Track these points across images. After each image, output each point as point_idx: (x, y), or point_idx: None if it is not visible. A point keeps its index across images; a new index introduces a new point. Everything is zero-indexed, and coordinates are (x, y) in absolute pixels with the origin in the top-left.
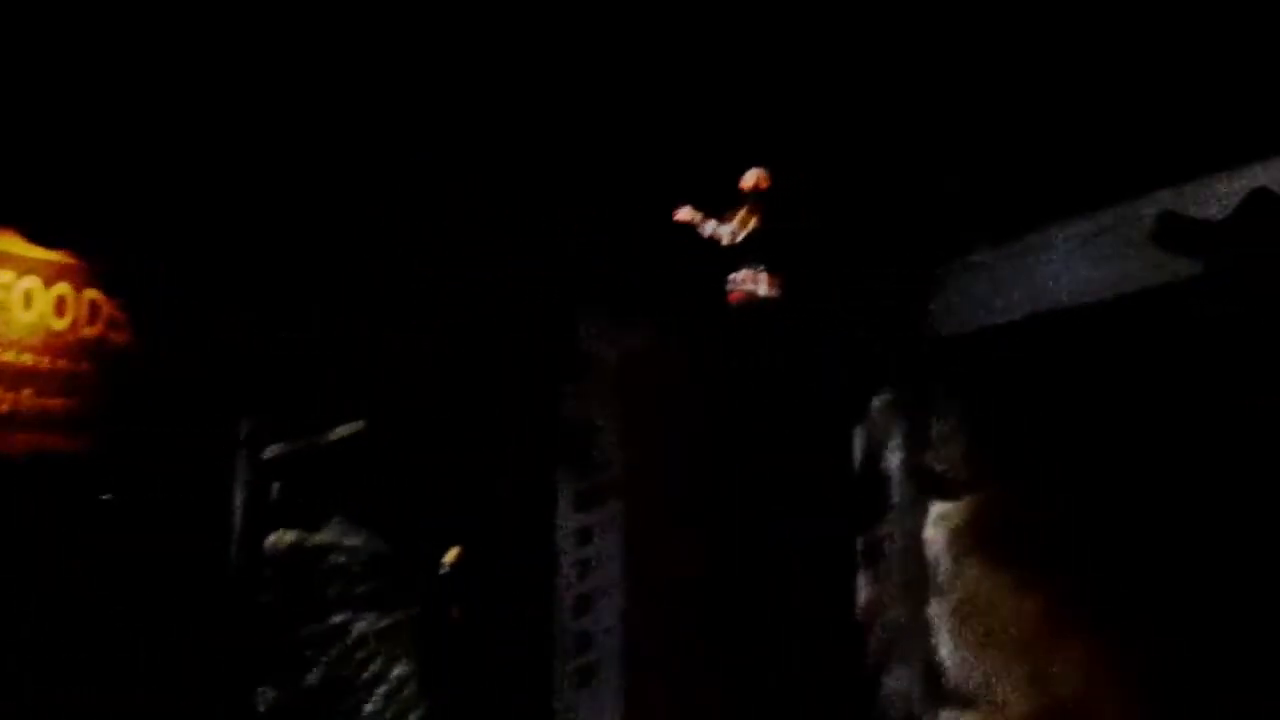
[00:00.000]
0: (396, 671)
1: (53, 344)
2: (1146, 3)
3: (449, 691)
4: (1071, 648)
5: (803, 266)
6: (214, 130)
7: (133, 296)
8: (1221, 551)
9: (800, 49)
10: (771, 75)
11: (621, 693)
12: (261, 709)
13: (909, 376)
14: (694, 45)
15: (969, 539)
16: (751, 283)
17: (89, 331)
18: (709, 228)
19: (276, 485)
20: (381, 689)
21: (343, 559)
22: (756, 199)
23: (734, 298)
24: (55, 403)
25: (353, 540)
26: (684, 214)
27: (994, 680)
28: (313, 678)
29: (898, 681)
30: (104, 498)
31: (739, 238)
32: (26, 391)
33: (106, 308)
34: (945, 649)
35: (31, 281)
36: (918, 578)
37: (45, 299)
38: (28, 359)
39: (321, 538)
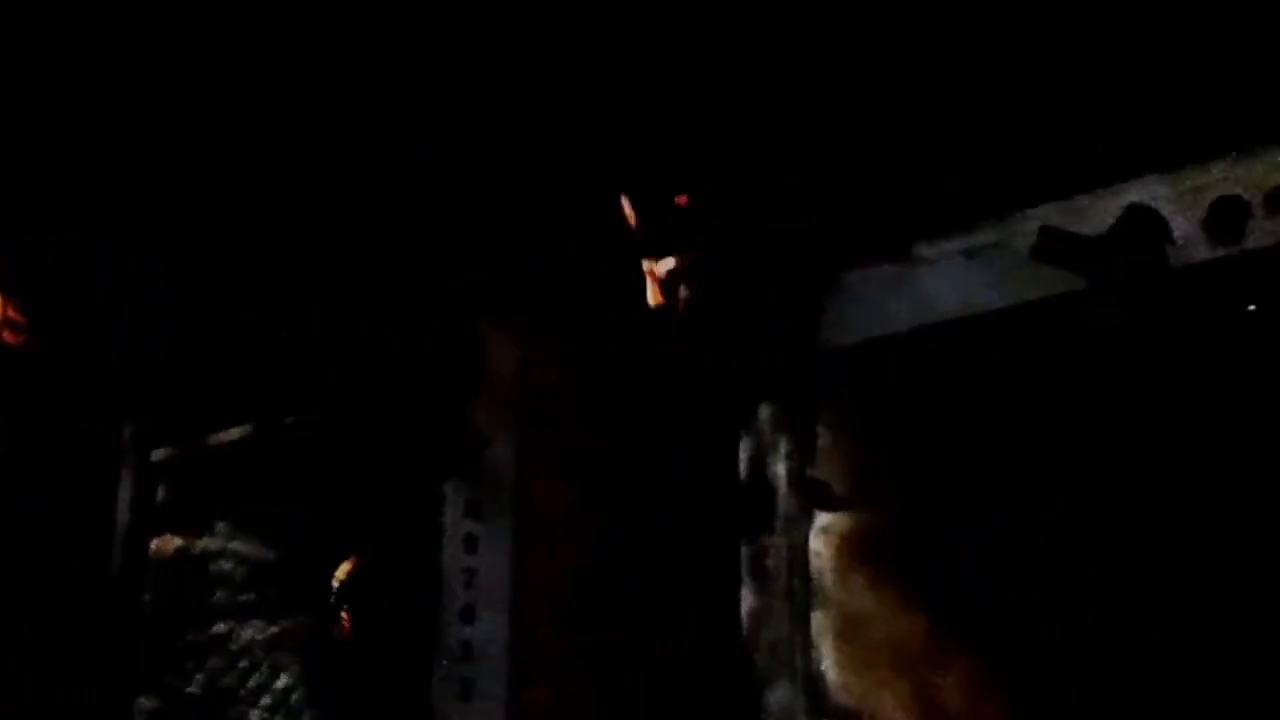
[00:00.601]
0: (281, 682)
1: None
2: (1026, 29)
3: (335, 704)
4: (953, 665)
5: (695, 276)
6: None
7: (33, 298)
8: (1104, 567)
9: (695, 61)
10: (664, 91)
11: (503, 706)
12: (139, 718)
13: (796, 387)
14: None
15: (852, 552)
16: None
17: None
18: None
19: (162, 489)
20: (265, 699)
21: (228, 566)
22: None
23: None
24: None
25: (239, 547)
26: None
27: (875, 696)
28: (194, 687)
29: (780, 695)
30: None
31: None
32: None
33: (5, 310)
34: (828, 663)
35: None
36: (802, 590)
37: None
38: None
39: (207, 544)
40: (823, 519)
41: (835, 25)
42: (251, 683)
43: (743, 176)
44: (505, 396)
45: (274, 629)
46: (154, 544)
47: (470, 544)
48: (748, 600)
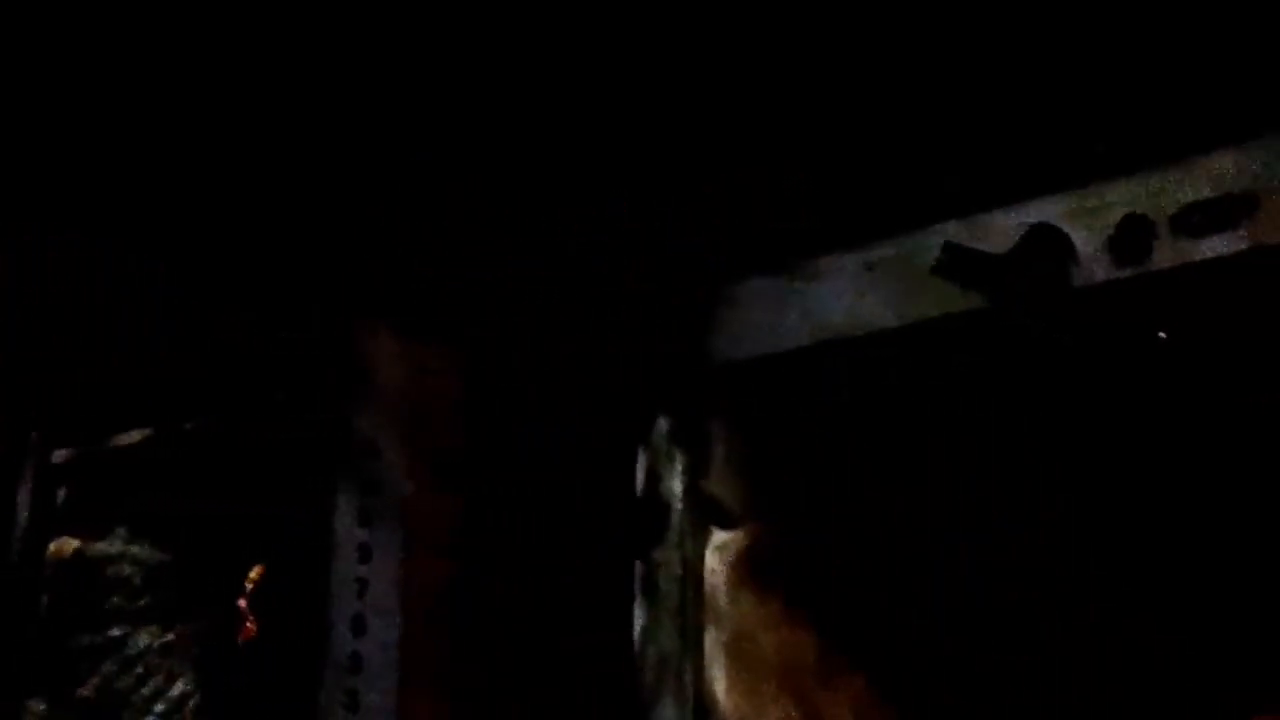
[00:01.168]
0: (176, 689)
1: None
2: (927, 40)
3: (230, 712)
4: (845, 684)
5: (593, 289)
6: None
7: None
8: (1000, 590)
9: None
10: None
11: (391, 719)
12: None
13: (691, 401)
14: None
15: (746, 571)
16: None
17: None
18: None
19: (63, 491)
20: (159, 706)
21: (126, 570)
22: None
23: None
24: None
25: (138, 551)
26: None
27: (765, 715)
28: (87, 690)
29: (668, 714)
30: None
31: None
32: None
33: None
34: (717, 682)
35: None
36: (693, 607)
37: None
38: None
39: (105, 547)
40: (717, 536)
41: (739, 31)
42: (146, 689)
43: (641, 188)
44: (393, 403)
45: (171, 635)
46: (51, 546)
47: (363, 553)
48: (639, 617)
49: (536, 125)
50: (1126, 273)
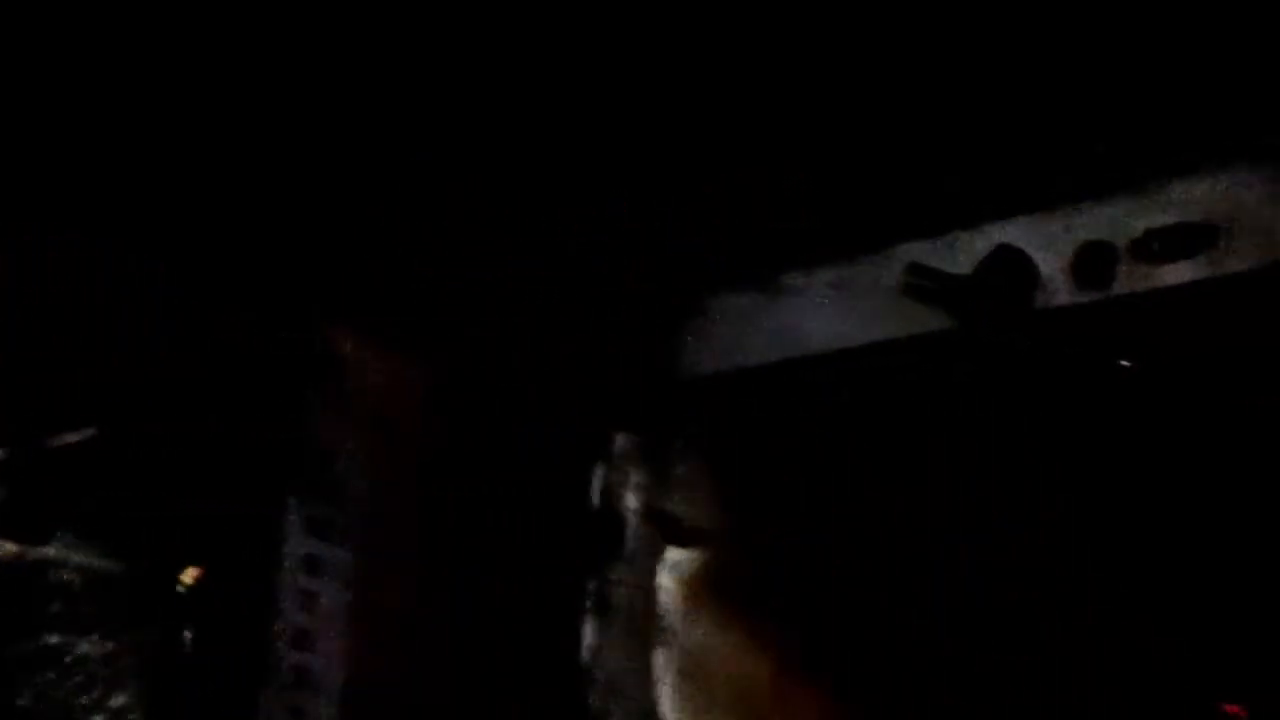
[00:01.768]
0: (117, 700)
1: None
2: (896, 58)
3: None
4: (800, 711)
5: (557, 299)
6: None
7: None
8: (961, 615)
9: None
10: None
11: None
12: None
13: (652, 417)
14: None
15: (700, 590)
16: None
17: None
18: None
19: (2, 492)
20: (98, 717)
21: (66, 575)
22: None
23: None
24: None
25: (80, 557)
26: None
27: None
28: (24, 700)
29: None
30: None
31: None
32: None
33: None
34: (667, 704)
35: None
36: (646, 627)
37: None
38: None
39: (45, 551)
40: (672, 555)
41: (714, 38)
42: (85, 699)
43: (610, 198)
44: (353, 410)
45: (112, 643)
46: None
47: (311, 566)
48: (589, 634)
49: (497, 132)
50: (1087, 297)
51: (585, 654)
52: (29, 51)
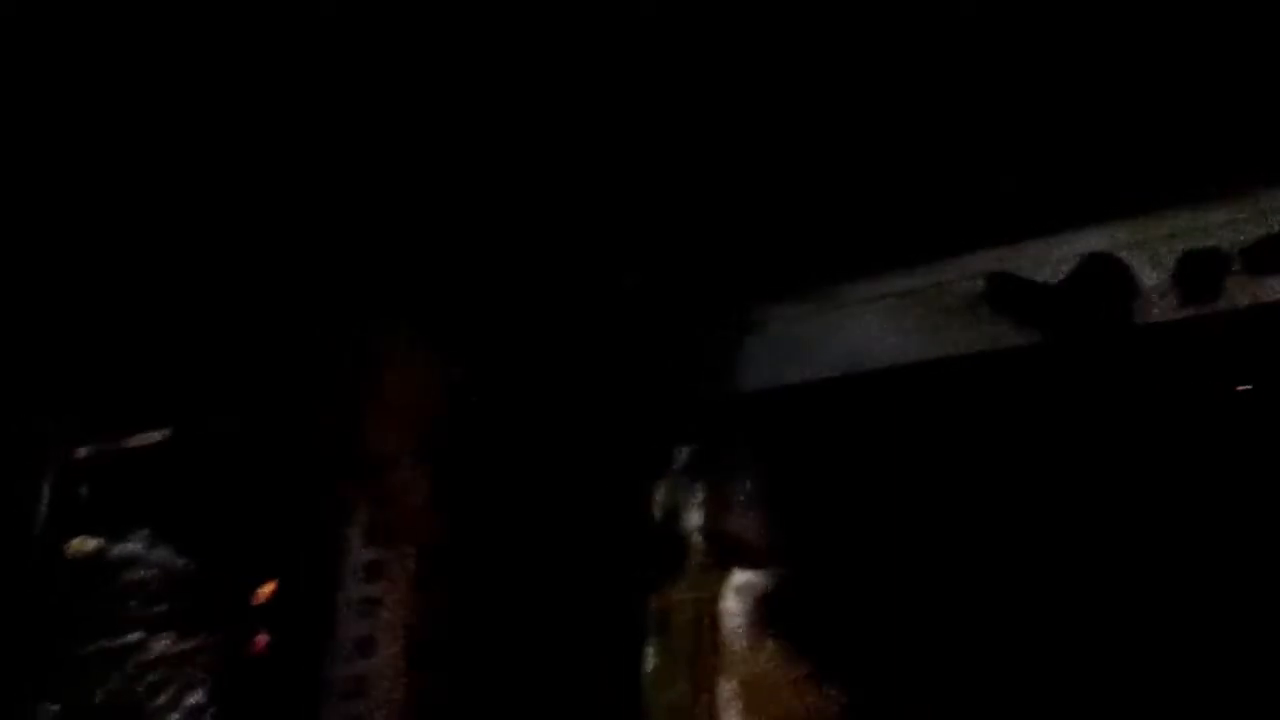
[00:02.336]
0: (191, 699)
1: None
2: (969, 58)
3: None
4: None
5: (614, 308)
6: None
7: None
8: (1038, 642)
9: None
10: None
11: None
12: None
13: (714, 433)
14: None
15: (767, 614)
16: None
17: None
18: None
19: (85, 489)
20: (173, 716)
21: (145, 573)
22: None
23: None
24: None
25: (158, 555)
26: None
27: None
28: (100, 696)
29: None
30: None
31: None
32: None
33: None
34: None
35: None
36: (709, 652)
37: None
38: None
39: (125, 548)
40: (738, 576)
41: (769, 55)
42: (161, 698)
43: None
44: (407, 415)
45: (187, 643)
46: (71, 545)
47: (372, 572)
48: (649, 659)
49: (551, 133)
50: (1194, 311)
51: (644, 681)
52: (24, 54)
